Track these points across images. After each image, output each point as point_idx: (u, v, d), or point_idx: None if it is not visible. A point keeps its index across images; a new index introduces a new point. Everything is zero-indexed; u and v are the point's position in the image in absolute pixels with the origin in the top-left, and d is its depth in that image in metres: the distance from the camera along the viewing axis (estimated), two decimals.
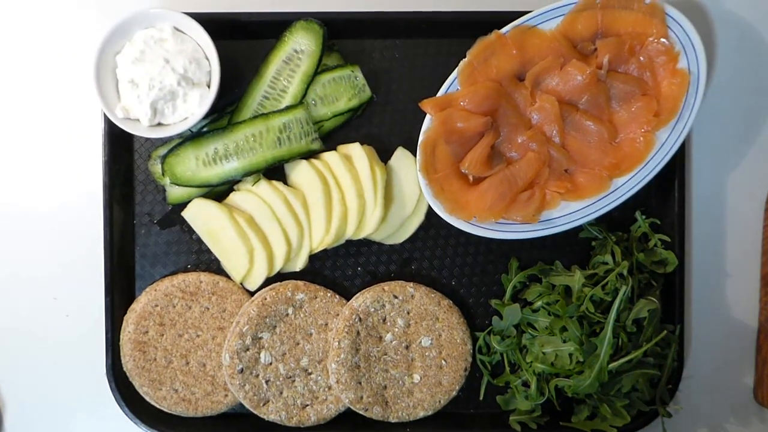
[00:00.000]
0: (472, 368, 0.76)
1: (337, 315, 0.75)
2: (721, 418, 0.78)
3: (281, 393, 0.74)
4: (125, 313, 0.75)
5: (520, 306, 0.74)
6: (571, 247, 0.77)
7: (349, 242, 0.76)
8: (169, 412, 0.75)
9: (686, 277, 0.76)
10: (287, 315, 0.74)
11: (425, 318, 0.75)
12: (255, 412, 0.74)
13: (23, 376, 0.78)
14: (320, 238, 0.75)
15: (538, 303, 0.74)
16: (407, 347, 0.75)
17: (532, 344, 0.74)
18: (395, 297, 0.75)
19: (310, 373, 0.74)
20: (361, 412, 0.74)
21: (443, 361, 0.75)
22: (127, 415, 0.75)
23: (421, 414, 0.75)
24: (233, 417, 0.76)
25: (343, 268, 0.77)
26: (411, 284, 0.75)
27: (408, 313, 0.75)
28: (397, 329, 0.75)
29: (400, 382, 0.75)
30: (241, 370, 0.73)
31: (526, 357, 0.74)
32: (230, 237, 0.74)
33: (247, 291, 0.76)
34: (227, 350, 0.73)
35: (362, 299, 0.74)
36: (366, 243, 0.77)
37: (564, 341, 0.72)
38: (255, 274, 0.75)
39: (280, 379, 0.74)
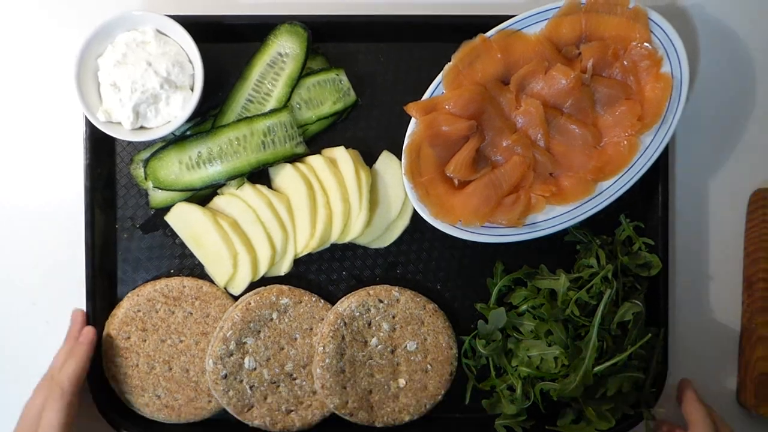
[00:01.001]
0: (457, 372, 0.76)
1: (322, 319, 0.74)
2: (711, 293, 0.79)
3: (265, 398, 0.73)
4: (107, 319, 0.74)
5: (506, 310, 0.74)
6: (556, 251, 0.77)
7: (334, 246, 0.76)
8: (152, 418, 0.74)
9: (670, 281, 0.76)
10: (271, 320, 0.73)
11: (410, 322, 0.75)
12: (239, 418, 0.73)
13: (2, 382, 0.76)
14: (305, 242, 0.74)
15: (524, 307, 0.74)
16: (392, 351, 0.75)
17: (517, 348, 0.74)
18: (380, 301, 0.74)
19: (294, 378, 0.74)
20: (346, 418, 0.74)
21: (429, 366, 0.75)
22: (109, 422, 0.74)
23: (407, 419, 0.75)
24: (217, 424, 0.76)
25: (327, 272, 0.76)
26: (396, 288, 0.75)
27: (393, 317, 0.75)
28: (382, 333, 0.74)
29: (386, 386, 0.74)
30: (225, 376, 0.72)
31: (511, 361, 0.74)
32: (214, 241, 0.74)
33: (231, 296, 0.75)
34: (211, 356, 0.72)
35: (347, 303, 0.74)
36: (351, 247, 0.76)
37: (549, 345, 0.72)
38: (239, 279, 0.74)
39: (265, 384, 0.73)
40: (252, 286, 0.75)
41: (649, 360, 0.74)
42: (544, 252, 0.77)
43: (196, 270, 0.76)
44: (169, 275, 0.75)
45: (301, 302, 0.74)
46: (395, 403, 0.75)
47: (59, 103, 0.76)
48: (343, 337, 0.73)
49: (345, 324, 0.73)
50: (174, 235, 0.75)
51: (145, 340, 0.74)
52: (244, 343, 0.73)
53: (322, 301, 0.75)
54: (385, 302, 0.74)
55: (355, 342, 0.74)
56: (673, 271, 0.78)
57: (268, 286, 0.75)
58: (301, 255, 0.75)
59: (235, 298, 0.75)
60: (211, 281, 0.75)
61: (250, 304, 0.73)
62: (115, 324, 0.74)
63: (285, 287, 0.74)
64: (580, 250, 0.76)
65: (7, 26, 0.77)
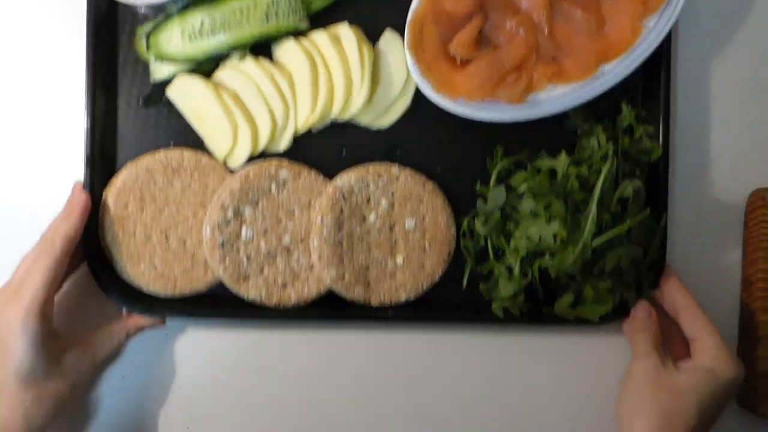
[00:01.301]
0: (455, 254, 0.76)
1: (321, 194, 0.74)
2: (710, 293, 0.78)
3: (262, 270, 0.73)
4: (105, 188, 0.74)
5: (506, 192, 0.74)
6: (557, 137, 0.76)
7: (334, 126, 0.76)
8: (147, 289, 0.74)
9: (670, 167, 0.76)
10: (270, 192, 0.73)
11: (409, 200, 0.74)
12: (234, 289, 0.73)
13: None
14: (305, 117, 0.74)
15: (523, 187, 0.74)
16: (391, 229, 0.74)
17: (516, 229, 0.73)
18: (379, 177, 0.74)
19: (291, 252, 0.73)
20: (342, 292, 0.74)
21: (427, 244, 0.75)
22: (104, 291, 0.73)
23: (403, 297, 0.75)
24: (211, 298, 0.75)
25: (327, 151, 0.76)
26: (396, 165, 0.75)
27: (392, 194, 0.74)
28: (380, 210, 0.74)
29: (383, 263, 0.74)
30: (222, 244, 0.72)
31: (510, 242, 0.74)
32: (215, 114, 0.73)
33: (230, 170, 0.75)
34: (208, 223, 0.72)
35: (346, 178, 0.74)
36: (351, 127, 0.76)
37: (548, 222, 0.72)
38: (238, 152, 0.74)
39: (261, 256, 0.73)
40: (251, 160, 0.74)
41: (648, 245, 0.74)
42: (545, 139, 0.76)
43: (195, 145, 0.75)
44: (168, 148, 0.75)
45: (300, 176, 0.74)
46: (392, 280, 0.74)
47: None
48: (342, 210, 0.73)
49: (344, 197, 0.73)
50: (175, 110, 0.75)
51: (142, 210, 0.74)
52: (242, 212, 0.73)
53: (321, 176, 0.75)
54: (384, 178, 0.74)
55: (354, 216, 0.74)
56: (673, 157, 0.77)
57: (267, 158, 0.74)
58: (301, 132, 0.75)
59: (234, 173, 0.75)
60: (211, 155, 0.75)
61: (249, 174, 0.73)
62: (113, 192, 0.73)
63: (285, 160, 0.74)
64: (581, 134, 0.76)
65: None
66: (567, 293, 0.75)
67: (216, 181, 0.74)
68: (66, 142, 0.76)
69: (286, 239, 0.73)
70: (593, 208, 0.69)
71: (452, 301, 0.77)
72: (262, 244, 0.73)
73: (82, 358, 0.71)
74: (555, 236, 0.71)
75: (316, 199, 0.74)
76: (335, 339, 0.77)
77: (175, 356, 0.77)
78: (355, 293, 0.73)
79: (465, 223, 0.76)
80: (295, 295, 0.73)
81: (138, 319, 0.74)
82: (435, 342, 0.77)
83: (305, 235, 0.73)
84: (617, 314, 0.75)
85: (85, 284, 0.75)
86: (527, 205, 0.73)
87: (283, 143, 0.75)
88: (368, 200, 0.74)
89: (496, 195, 0.73)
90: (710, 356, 0.70)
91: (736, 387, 0.70)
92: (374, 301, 0.74)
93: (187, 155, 0.74)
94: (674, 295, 0.74)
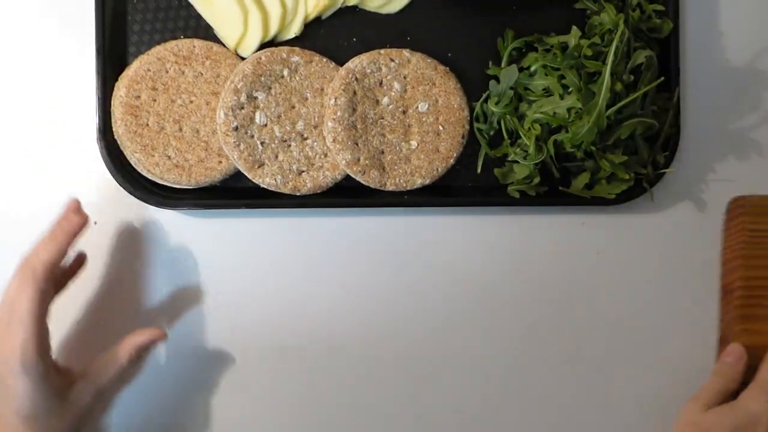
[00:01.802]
0: (470, 137, 0.76)
1: (334, 79, 0.74)
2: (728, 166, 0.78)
3: (277, 156, 0.73)
4: (116, 81, 0.74)
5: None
6: (567, 20, 0.75)
7: (343, 12, 0.75)
8: (162, 180, 0.74)
9: (681, 45, 0.76)
10: (283, 76, 0.73)
11: (422, 83, 0.74)
12: (249, 176, 0.73)
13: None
14: (315, 1, 0.74)
15: (535, 65, 0.73)
16: (404, 112, 0.74)
17: (529, 109, 0.73)
18: (392, 60, 0.74)
19: (305, 138, 0.73)
20: (357, 177, 0.73)
21: (440, 128, 0.74)
22: (119, 183, 0.73)
23: (419, 182, 0.74)
24: (224, 190, 0.75)
25: (337, 37, 0.76)
26: (407, 49, 0.75)
27: (404, 77, 0.74)
28: (393, 93, 0.74)
29: (398, 147, 0.74)
30: (236, 128, 0.72)
31: (524, 124, 0.74)
32: (225, 0, 0.73)
33: (241, 58, 0.75)
34: (222, 107, 0.72)
35: (358, 61, 0.74)
36: (361, 13, 0.76)
37: (561, 98, 0.72)
38: (249, 39, 0.74)
39: (276, 141, 0.73)
40: (262, 48, 0.74)
41: (662, 122, 0.74)
42: (554, 24, 0.76)
43: (206, 36, 0.75)
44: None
45: (312, 62, 0.74)
46: (407, 165, 0.74)
47: None
48: (355, 93, 0.73)
49: (356, 80, 0.73)
50: (184, 1, 0.75)
51: (155, 100, 0.73)
52: (255, 97, 0.72)
53: (332, 62, 0.74)
54: (396, 62, 0.74)
55: (367, 99, 0.73)
56: (683, 32, 0.77)
57: (279, 46, 0.74)
58: (311, 17, 0.75)
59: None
60: (222, 43, 0.75)
61: (261, 58, 0.72)
62: (124, 83, 0.73)
63: (296, 47, 0.74)
64: (590, 14, 0.76)
65: None
66: (583, 173, 0.75)
67: (227, 69, 0.74)
68: (77, 40, 0.76)
69: (300, 125, 0.73)
70: (607, 75, 0.68)
71: (467, 185, 0.77)
72: (276, 129, 0.72)
73: (86, 389, 0.67)
74: (569, 110, 0.71)
75: (328, 84, 0.73)
76: (352, 225, 0.77)
77: (191, 248, 0.77)
78: (371, 177, 0.73)
79: (478, 106, 0.76)
80: (310, 181, 0.73)
81: (135, 337, 0.70)
82: (452, 225, 0.77)
83: (319, 121, 0.73)
84: (633, 193, 0.75)
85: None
86: (540, 83, 0.73)
87: (294, 29, 0.74)
88: (381, 83, 0.74)
89: (509, 73, 0.73)
90: (746, 394, 0.71)
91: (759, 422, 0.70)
92: (390, 185, 0.74)
93: (198, 44, 0.74)
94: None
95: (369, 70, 0.73)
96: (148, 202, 0.74)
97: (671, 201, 0.78)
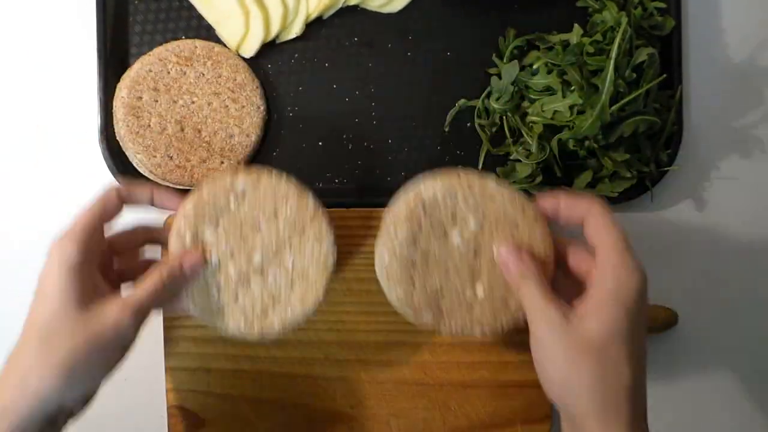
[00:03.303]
0: (473, 140, 0.75)
1: (287, 198, 0.63)
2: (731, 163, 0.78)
3: (236, 299, 0.63)
4: (118, 82, 0.74)
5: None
6: (568, 20, 0.75)
7: (344, 12, 0.75)
8: (164, 181, 0.74)
9: (683, 42, 0.76)
10: (229, 208, 0.63)
11: (503, 223, 0.62)
12: (210, 324, 0.64)
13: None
14: (316, 2, 0.74)
15: (537, 63, 0.73)
16: (475, 253, 0.63)
17: (531, 107, 0.73)
18: (470, 188, 0.62)
19: (266, 272, 0.63)
20: (408, 316, 0.64)
21: None
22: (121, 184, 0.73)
23: (478, 333, 0.63)
24: None
25: (338, 37, 0.76)
26: (493, 179, 0.63)
27: (483, 213, 0.62)
28: (467, 230, 0.63)
29: (461, 292, 0.63)
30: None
31: (526, 122, 0.74)
32: (226, 0, 0.73)
33: (243, 58, 0.75)
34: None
35: (431, 186, 0.63)
36: (362, 12, 0.76)
37: (564, 95, 0.71)
38: (251, 40, 0.74)
39: (233, 282, 0.63)
40: (263, 48, 0.75)
41: (664, 120, 0.74)
42: (556, 23, 0.76)
43: (207, 37, 0.75)
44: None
45: (260, 183, 0.63)
46: (468, 313, 0.63)
47: None
48: (420, 226, 0.63)
49: (424, 210, 0.63)
50: (185, 2, 0.75)
51: (156, 100, 0.73)
52: (202, 237, 0.63)
53: (284, 176, 0.64)
54: (477, 193, 0.62)
55: (433, 232, 0.63)
56: (686, 31, 0.77)
57: (219, 172, 0.70)
58: (312, 17, 0.75)
59: (247, 60, 0.75)
60: (223, 44, 0.75)
61: (202, 193, 0.63)
62: (126, 84, 0.73)
63: (240, 167, 0.71)
64: (592, 12, 0.76)
65: None
66: (585, 172, 0.75)
67: (229, 69, 0.74)
68: (78, 42, 0.76)
69: (257, 258, 0.63)
70: (611, 69, 0.68)
71: None
72: (231, 268, 0.63)
73: (116, 307, 0.57)
74: (572, 108, 0.71)
75: (282, 205, 0.63)
76: None
77: None
78: (424, 318, 0.63)
79: (480, 102, 0.75)
80: (278, 322, 0.63)
81: (173, 262, 0.61)
82: None
83: (277, 249, 0.63)
84: (635, 191, 0.75)
85: None
86: (542, 81, 0.73)
87: (295, 29, 0.74)
88: (453, 216, 0.62)
89: (510, 70, 0.73)
90: (609, 276, 0.56)
91: (645, 291, 0.57)
92: (444, 331, 0.63)
93: (200, 44, 0.74)
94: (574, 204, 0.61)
95: (442, 200, 0.62)
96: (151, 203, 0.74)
97: (674, 199, 0.78)
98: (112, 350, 0.58)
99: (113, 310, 0.57)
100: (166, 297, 0.60)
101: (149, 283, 0.59)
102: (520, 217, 0.62)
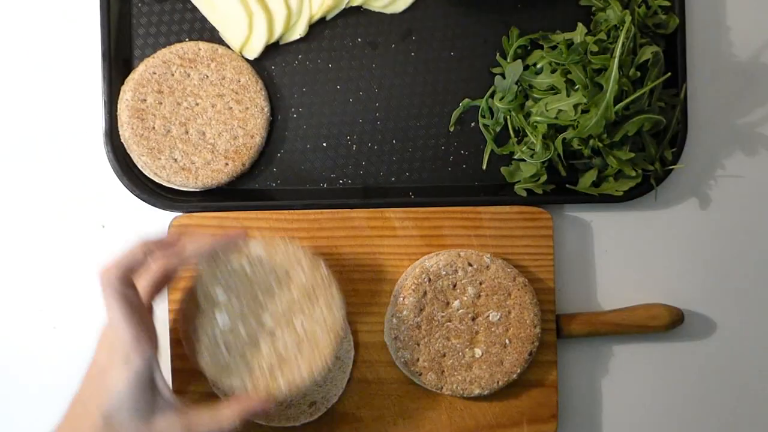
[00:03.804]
0: (538, 345, 0.73)
1: (301, 264, 0.65)
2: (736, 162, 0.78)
3: (244, 359, 0.64)
4: (122, 84, 0.74)
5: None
6: (571, 19, 0.75)
7: (347, 13, 0.75)
8: (168, 183, 0.74)
9: (687, 38, 0.76)
10: (244, 271, 0.64)
11: (497, 292, 0.71)
12: (217, 382, 0.65)
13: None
14: (320, 2, 0.74)
15: (541, 62, 0.73)
16: (473, 319, 0.71)
17: (535, 107, 0.73)
18: (470, 265, 0.71)
19: (275, 335, 0.64)
20: (414, 378, 0.72)
21: (508, 341, 0.72)
22: (126, 187, 0.74)
23: (476, 392, 0.71)
24: (230, 192, 0.76)
25: (342, 37, 0.76)
26: (488, 255, 0.72)
27: (480, 283, 0.71)
28: (466, 298, 0.71)
29: (460, 353, 0.71)
30: (195, 331, 0.64)
31: (530, 122, 0.74)
32: (229, 1, 0.73)
33: (247, 60, 0.75)
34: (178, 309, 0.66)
35: (435, 261, 0.71)
36: (366, 13, 0.76)
37: (568, 94, 0.71)
38: (254, 41, 0.74)
39: (241, 342, 0.64)
40: (267, 50, 0.75)
41: (669, 119, 0.74)
42: (559, 23, 0.76)
43: (211, 39, 0.75)
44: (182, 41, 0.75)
45: (274, 249, 0.65)
46: (467, 372, 0.71)
47: None
48: (425, 293, 0.71)
49: (429, 280, 0.71)
50: (189, 4, 0.75)
51: (161, 103, 0.73)
52: (214, 296, 0.64)
53: (296, 245, 0.65)
54: (475, 267, 0.71)
55: (437, 301, 0.71)
56: (690, 28, 0.77)
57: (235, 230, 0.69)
58: (316, 18, 0.75)
59: (250, 62, 0.75)
60: (227, 46, 0.75)
61: (217, 254, 0.64)
62: (131, 86, 0.73)
63: (256, 233, 0.71)
64: (596, 11, 0.75)
65: None
66: (590, 171, 0.75)
67: (233, 71, 0.74)
68: (82, 45, 0.76)
69: (267, 320, 0.64)
70: (615, 67, 0.68)
71: (473, 185, 0.77)
72: (241, 329, 0.64)
73: (174, 424, 0.60)
74: (576, 107, 0.71)
75: (294, 269, 0.65)
76: None
77: None
78: (427, 379, 0.71)
79: (483, 101, 0.75)
80: (285, 382, 0.64)
81: (248, 401, 0.63)
82: None
83: (288, 313, 0.65)
84: (640, 190, 0.75)
85: None
86: (545, 80, 0.73)
87: (298, 30, 0.75)
88: (454, 286, 0.71)
89: (514, 68, 0.73)
90: None
91: None
92: (446, 390, 0.71)
93: (203, 46, 0.74)
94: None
95: (444, 272, 0.71)
96: (155, 205, 0.74)
97: (679, 197, 0.78)
98: None
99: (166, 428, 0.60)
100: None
101: (218, 419, 0.61)
102: (512, 285, 0.71)
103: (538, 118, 0.72)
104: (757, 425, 0.78)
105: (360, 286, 0.74)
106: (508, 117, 0.75)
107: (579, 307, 0.77)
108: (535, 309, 0.72)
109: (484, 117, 0.76)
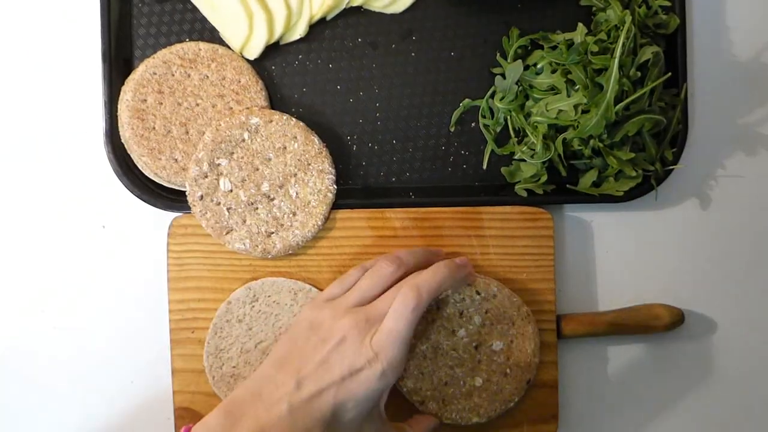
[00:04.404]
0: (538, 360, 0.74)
1: (295, 137, 0.72)
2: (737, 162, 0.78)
3: (244, 221, 0.72)
4: (122, 85, 0.74)
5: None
6: (572, 19, 0.75)
7: (348, 13, 0.75)
8: (169, 183, 0.74)
9: (687, 38, 0.76)
10: (243, 140, 0.72)
11: (501, 321, 0.72)
12: (219, 241, 0.72)
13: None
14: (320, 2, 0.74)
15: (542, 62, 0.73)
16: (476, 347, 0.72)
17: (536, 107, 0.73)
18: (477, 293, 0.71)
19: (272, 199, 0.72)
20: (415, 404, 0.71)
21: (508, 370, 0.72)
22: (127, 187, 0.74)
23: (474, 420, 0.72)
24: None
25: (342, 38, 0.76)
26: (495, 283, 0.72)
27: (486, 311, 0.72)
28: (471, 326, 0.71)
29: (462, 382, 0.71)
30: (201, 197, 0.71)
31: (530, 122, 0.74)
32: (229, 2, 0.73)
33: (247, 60, 0.75)
34: (186, 178, 0.72)
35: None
36: (366, 13, 0.76)
37: (568, 94, 0.71)
38: (254, 41, 0.74)
39: (242, 206, 0.72)
40: (267, 50, 0.75)
41: (671, 111, 0.74)
42: (560, 23, 0.76)
43: (211, 40, 0.75)
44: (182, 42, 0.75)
45: (271, 121, 0.72)
46: (467, 401, 0.72)
47: None
48: (433, 320, 0.71)
49: (438, 308, 0.71)
50: (189, 4, 0.75)
51: (161, 103, 0.73)
52: (218, 164, 0.72)
53: (293, 119, 0.73)
54: (482, 295, 0.72)
55: (443, 329, 0.71)
56: (690, 29, 0.77)
57: (238, 109, 0.73)
58: (316, 18, 0.74)
59: (251, 62, 0.75)
60: (227, 46, 0.75)
61: (219, 125, 0.72)
62: (131, 87, 0.73)
63: (255, 108, 0.73)
64: (596, 11, 0.75)
65: None
66: (590, 171, 0.74)
67: (233, 71, 0.74)
68: (82, 45, 0.76)
69: (265, 186, 0.72)
70: (615, 67, 0.68)
71: (474, 185, 0.77)
72: (242, 194, 0.72)
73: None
74: (576, 107, 0.71)
75: (290, 142, 0.72)
76: None
77: None
78: (429, 408, 0.72)
79: (484, 102, 0.75)
80: (280, 242, 0.72)
81: (424, 420, 0.70)
82: None
83: (283, 181, 0.72)
84: (641, 190, 0.75)
85: None
86: (546, 80, 0.73)
87: (299, 31, 0.74)
88: (461, 314, 0.71)
89: (514, 69, 0.73)
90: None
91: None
92: (446, 419, 0.71)
93: (204, 46, 0.74)
94: None
95: (452, 300, 0.71)
96: (155, 206, 0.74)
97: (680, 197, 0.78)
98: None
99: None
100: None
101: None
102: (516, 314, 0.72)
103: (538, 119, 0.72)
104: (757, 425, 0.78)
105: None
106: (509, 117, 0.75)
107: (579, 307, 0.77)
108: (536, 339, 0.72)
109: (484, 117, 0.76)
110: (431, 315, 0.71)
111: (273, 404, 0.61)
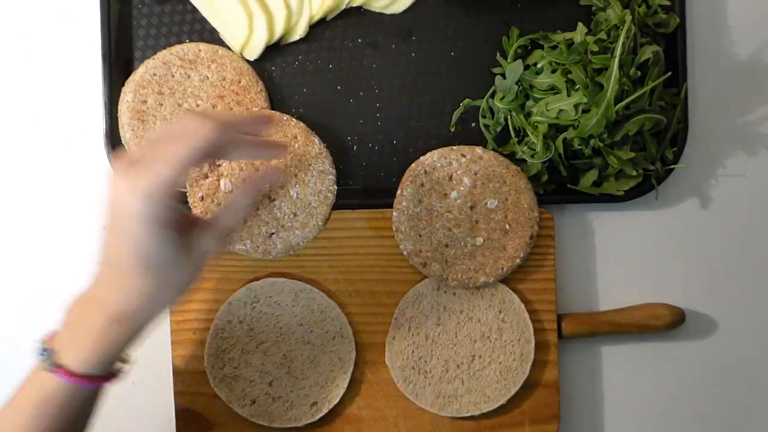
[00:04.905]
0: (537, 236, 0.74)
1: (295, 138, 0.72)
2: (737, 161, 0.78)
3: (245, 222, 0.71)
4: (123, 86, 0.74)
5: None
6: (572, 19, 0.75)
7: (348, 13, 0.75)
8: None
9: (688, 37, 0.76)
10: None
11: (492, 180, 0.72)
12: None
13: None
14: (320, 3, 0.74)
15: (542, 62, 0.73)
16: (472, 208, 0.72)
17: (536, 106, 0.73)
18: (463, 156, 0.72)
19: (273, 200, 0.72)
20: (418, 267, 0.72)
21: (508, 226, 0.73)
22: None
23: (482, 279, 0.72)
24: None
25: (342, 38, 0.76)
26: (480, 147, 0.73)
27: (475, 173, 0.72)
28: (462, 188, 0.72)
29: (462, 242, 0.72)
30: (202, 198, 0.71)
31: (531, 121, 0.74)
32: (229, 3, 0.73)
33: (247, 61, 0.75)
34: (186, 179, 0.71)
35: (429, 155, 0.73)
36: (366, 13, 0.76)
37: (568, 94, 0.71)
38: (254, 42, 0.74)
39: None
40: (267, 50, 0.75)
41: (671, 111, 0.74)
42: (560, 23, 0.76)
43: (211, 40, 0.75)
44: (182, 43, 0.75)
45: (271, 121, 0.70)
46: (471, 261, 0.72)
47: None
48: (422, 184, 0.72)
49: (425, 172, 0.72)
50: (189, 5, 0.75)
51: (161, 104, 0.73)
52: (219, 165, 0.71)
53: (293, 120, 0.73)
54: (468, 157, 0.73)
55: (435, 192, 0.72)
56: (690, 28, 0.77)
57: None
58: (316, 19, 0.75)
59: (251, 63, 0.75)
60: (227, 47, 0.75)
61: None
62: (131, 88, 0.73)
63: (255, 109, 0.73)
64: (596, 10, 0.75)
65: None
66: (591, 170, 0.75)
67: (233, 72, 0.74)
68: (83, 46, 0.76)
69: (265, 186, 0.72)
70: (615, 66, 0.68)
71: None
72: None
73: (211, 237, 0.61)
74: (576, 106, 0.71)
75: (290, 144, 0.71)
76: None
77: None
78: (432, 269, 0.72)
79: (484, 102, 0.75)
80: (281, 243, 0.72)
81: (253, 180, 0.67)
82: None
83: (285, 181, 0.72)
84: (641, 189, 0.75)
85: None
86: (546, 80, 0.73)
87: (299, 31, 0.75)
88: (450, 177, 0.72)
89: (514, 68, 0.73)
90: None
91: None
92: (452, 280, 0.72)
93: (204, 47, 0.74)
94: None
95: (439, 164, 0.72)
96: None
97: (680, 197, 0.78)
98: None
99: (207, 246, 0.61)
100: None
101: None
102: (506, 172, 0.72)
103: (538, 118, 0.72)
104: (758, 425, 0.78)
105: (361, 287, 0.74)
106: (509, 117, 0.75)
107: (580, 307, 0.77)
108: (531, 193, 0.72)
109: (484, 117, 0.76)
110: (419, 179, 0.72)
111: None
